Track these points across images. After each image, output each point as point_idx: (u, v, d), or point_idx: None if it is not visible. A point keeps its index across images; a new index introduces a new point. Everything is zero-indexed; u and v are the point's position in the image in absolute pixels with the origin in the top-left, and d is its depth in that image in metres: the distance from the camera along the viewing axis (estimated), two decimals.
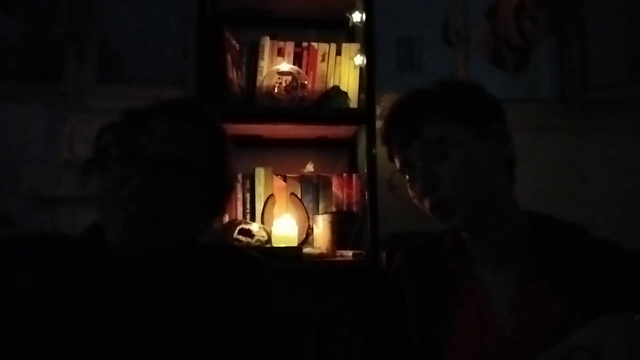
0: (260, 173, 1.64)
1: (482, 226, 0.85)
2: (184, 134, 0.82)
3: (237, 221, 1.55)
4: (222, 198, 0.90)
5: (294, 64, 1.65)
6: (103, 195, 0.80)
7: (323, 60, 1.68)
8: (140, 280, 0.81)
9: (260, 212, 1.62)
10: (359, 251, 1.49)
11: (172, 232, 0.82)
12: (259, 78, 1.63)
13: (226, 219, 1.60)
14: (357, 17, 1.69)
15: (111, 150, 0.80)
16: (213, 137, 0.87)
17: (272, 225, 1.58)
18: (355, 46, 1.70)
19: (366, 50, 1.62)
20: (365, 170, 1.56)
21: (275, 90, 1.60)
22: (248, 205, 1.63)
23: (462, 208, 0.82)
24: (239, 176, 1.64)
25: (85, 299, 0.77)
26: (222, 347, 0.80)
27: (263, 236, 1.55)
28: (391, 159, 0.92)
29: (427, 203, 0.84)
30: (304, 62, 1.67)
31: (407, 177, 0.88)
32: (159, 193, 0.77)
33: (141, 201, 0.76)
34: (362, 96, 1.66)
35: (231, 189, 0.92)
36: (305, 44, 1.68)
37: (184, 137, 0.82)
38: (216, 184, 0.86)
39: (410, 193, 0.88)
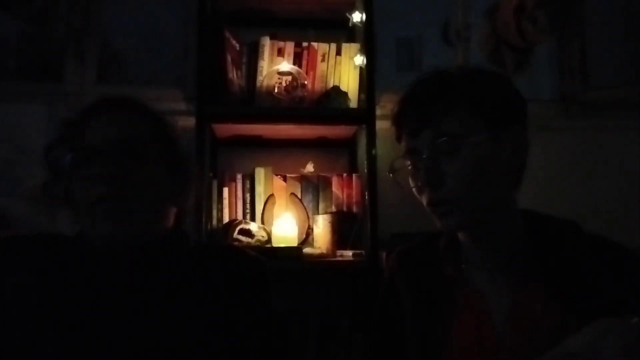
0: (260, 173, 1.64)
1: (480, 230, 0.82)
2: (123, 118, 0.85)
3: (237, 221, 1.55)
4: (183, 171, 0.89)
5: (294, 64, 1.65)
6: (75, 202, 0.81)
7: (323, 60, 1.68)
8: (138, 279, 0.81)
9: (260, 212, 1.62)
10: (358, 251, 1.49)
11: (145, 211, 0.82)
12: (259, 78, 1.63)
13: (226, 218, 1.60)
14: (357, 17, 1.69)
15: (62, 160, 0.82)
16: (149, 114, 0.88)
17: (272, 225, 1.58)
18: (355, 46, 1.70)
19: (366, 50, 1.62)
20: (365, 170, 1.56)
21: (275, 90, 1.60)
22: (248, 205, 1.63)
23: (458, 210, 0.78)
24: (239, 176, 1.65)
25: (83, 298, 0.78)
26: (221, 347, 0.80)
27: (263, 236, 1.55)
28: (398, 140, 0.86)
29: (425, 197, 0.80)
30: (304, 62, 1.67)
31: (411, 164, 0.82)
32: (120, 173, 0.78)
33: (107, 181, 0.78)
34: (362, 96, 1.66)
35: (190, 161, 0.92)
36: (305, 44, 1.68)
37: (124, 120, 0.84)
38: (171, 158, 0.87)
39: (411, 182, 0.83)
